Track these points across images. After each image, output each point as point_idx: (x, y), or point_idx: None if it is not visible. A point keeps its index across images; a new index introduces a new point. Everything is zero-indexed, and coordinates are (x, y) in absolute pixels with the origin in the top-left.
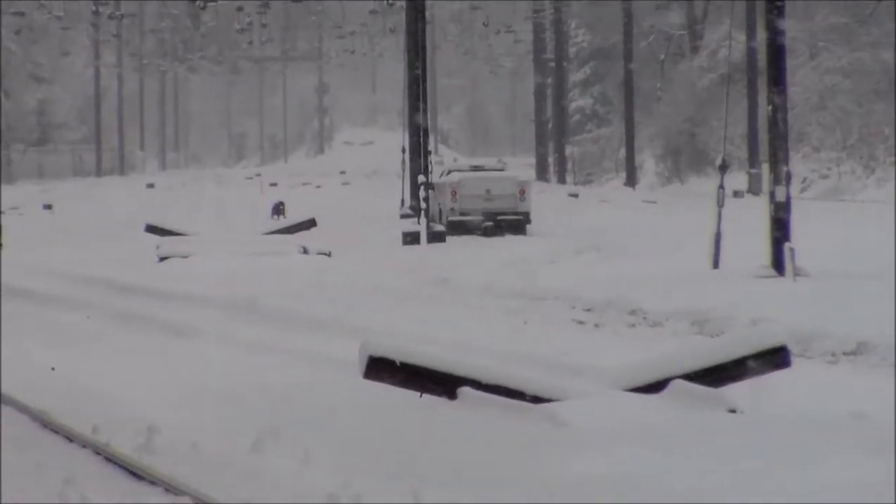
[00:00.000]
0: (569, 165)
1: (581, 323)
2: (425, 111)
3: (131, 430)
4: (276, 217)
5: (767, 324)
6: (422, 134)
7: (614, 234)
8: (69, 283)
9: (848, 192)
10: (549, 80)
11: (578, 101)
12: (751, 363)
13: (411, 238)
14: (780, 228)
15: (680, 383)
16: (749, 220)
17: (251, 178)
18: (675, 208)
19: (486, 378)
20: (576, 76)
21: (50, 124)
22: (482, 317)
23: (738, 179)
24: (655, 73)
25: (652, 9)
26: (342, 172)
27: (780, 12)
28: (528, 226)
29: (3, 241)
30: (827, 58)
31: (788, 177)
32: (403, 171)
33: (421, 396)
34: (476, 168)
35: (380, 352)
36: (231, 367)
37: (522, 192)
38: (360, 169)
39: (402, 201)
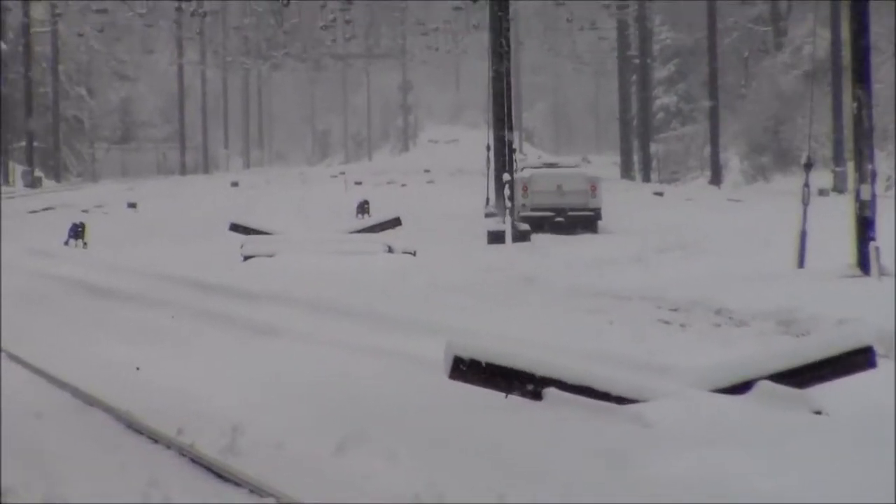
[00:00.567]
0: (653, 163)
1: (667, 323)
2: (509, 109)
3: (216, 431)
4: (360, 216)
5: (852, 324)
6: (506, 131)
7: (699, 232)
8: (153, 282)
9: None
10: (633, 78)
11: (663, 99)
12: (836, 364)
13: (496, 237)
14: (865, 227)
15: (765, 384)
16: (834, 219)
17: (335, 177)
18: (760, 206)
19: (571, 379)
20: (660, 73)
21: (134, 122)
22: (567, 317)
23: (823, 177)
24: (739, 70)
25: (736, 5)
26: (426, 170)
27: (865, 8)
28: (599, 223)
29: (88, 240)
30: None
31: (873, 175)
32: (488, 168)
33: (507, 397)
34: (549, 165)
35: (465, 352)
36: (315, 367)
37: (593, 188)
38: (445, 167)
39: (487, 200)
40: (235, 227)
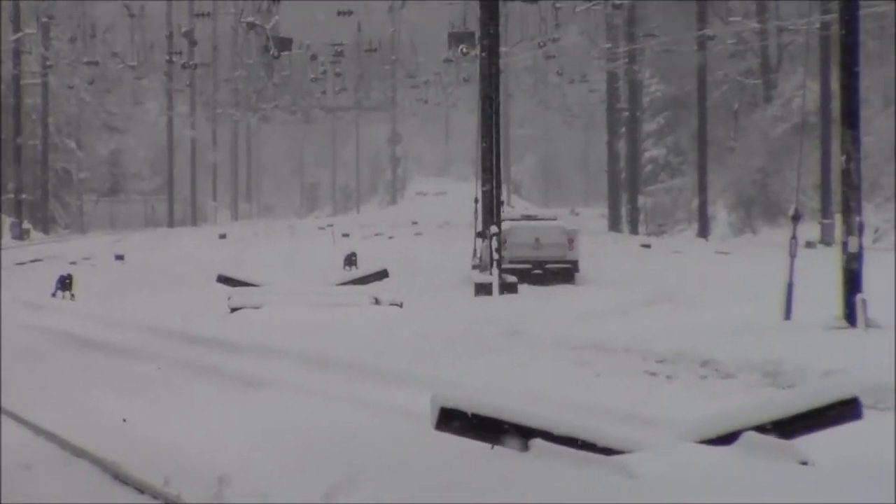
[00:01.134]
0: (641, 216)
1: (653, 374)
2: (498, 161)
3: (202, 482)
4: (348, 268)
5: (838, 375)
6: (494, 185)
7: (686, 284)
8: (140, 333)
9: None
10: (623, 130)
11: (652, 151)
12: (822, 415)
13: (483, 289)
14: (852, 279)
15: (751, 435)
16: (821, 271)
17: (323, 229)
18: (747, 259)
19: (557, 429)
20: (649, 126)
21: (122, 174)
22: (554, 369)
23: (811, 230)
24: (729, 122)
25: (726, 58)
26: (414, 223)
27: (854, 61)
28: (577, 274)
29: (75, 292)
30: None
31: (861, 227)
32: (476, 221)
33: (493, 448)
34: (527, 217)
35: (451, 403)
36: (302, 418)
37: (570, 241)
38: (433, 219)
39: (475, 251)
40: (223, 279)
